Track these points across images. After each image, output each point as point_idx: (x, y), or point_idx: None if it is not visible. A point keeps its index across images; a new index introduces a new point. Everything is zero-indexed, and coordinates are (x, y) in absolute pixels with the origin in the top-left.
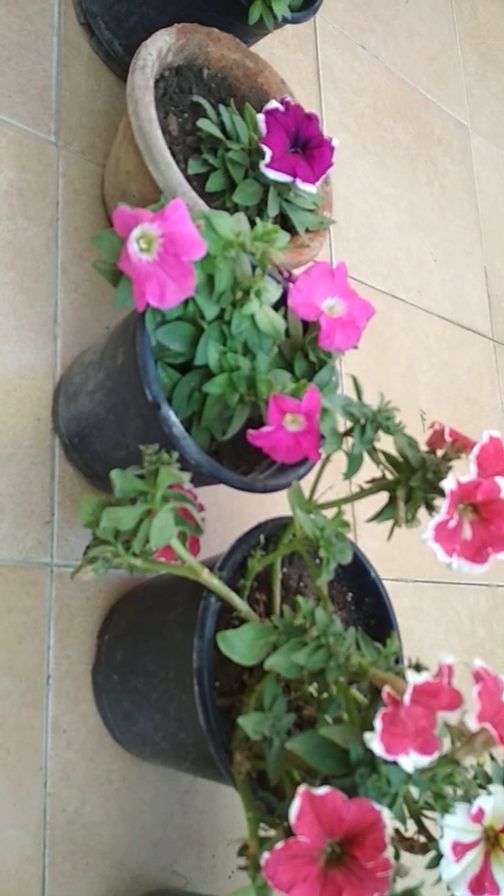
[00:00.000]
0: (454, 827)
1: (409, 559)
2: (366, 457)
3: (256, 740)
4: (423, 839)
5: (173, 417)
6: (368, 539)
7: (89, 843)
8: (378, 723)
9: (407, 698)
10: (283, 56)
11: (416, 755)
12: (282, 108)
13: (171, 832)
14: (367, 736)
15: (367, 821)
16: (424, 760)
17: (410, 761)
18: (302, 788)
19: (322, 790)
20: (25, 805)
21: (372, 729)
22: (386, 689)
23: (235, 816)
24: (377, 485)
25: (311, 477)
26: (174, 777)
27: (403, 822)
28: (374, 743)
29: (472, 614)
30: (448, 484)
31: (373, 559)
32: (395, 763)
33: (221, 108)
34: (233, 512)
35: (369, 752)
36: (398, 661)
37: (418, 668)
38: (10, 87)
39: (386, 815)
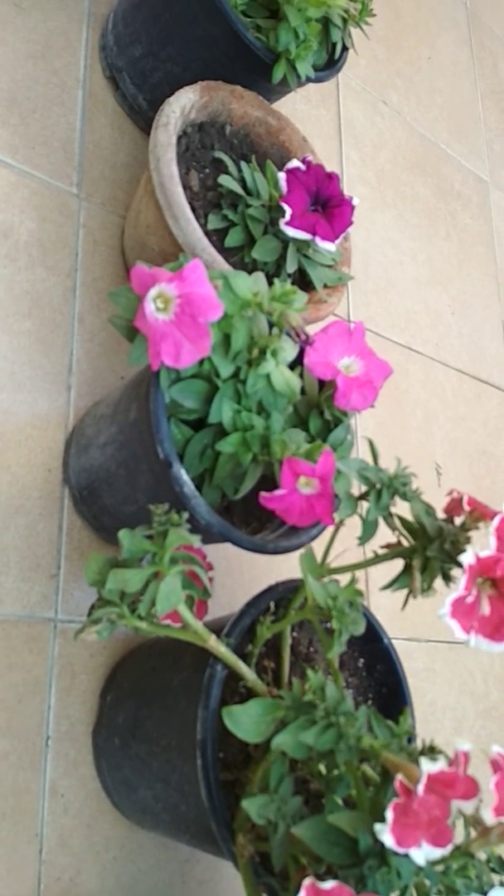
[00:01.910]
0: None
1: (422, 618)
2: (381, 521)
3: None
4: None
5: (184, 476)
6: (380, 598)
7: None
8: (389, 814)
9: (421, 789)
10: (306, 111)
11: (428, 847)
12: (303, 166)
13: None
14: (378, 827)
15: None
16: (437, 853)
17: (422, 854)
18: (307, 881)
19: (328, 885)
20: (19, 873)
21: (383, 816)
22: (399, 778)
23: (236, 889)
24: (392, 552)
25: (323, 538)
26: (174, 846)
27: None
28: (385, 835)
29: (486, 676)
30: (467, 558)
31: (384, 618)
32: (406, 855)
33: (243, 164)
34: (242, 567)
35: (379, 842)
36: (411, 739)
37: (432, 751)
38: (34, 139)
39: None
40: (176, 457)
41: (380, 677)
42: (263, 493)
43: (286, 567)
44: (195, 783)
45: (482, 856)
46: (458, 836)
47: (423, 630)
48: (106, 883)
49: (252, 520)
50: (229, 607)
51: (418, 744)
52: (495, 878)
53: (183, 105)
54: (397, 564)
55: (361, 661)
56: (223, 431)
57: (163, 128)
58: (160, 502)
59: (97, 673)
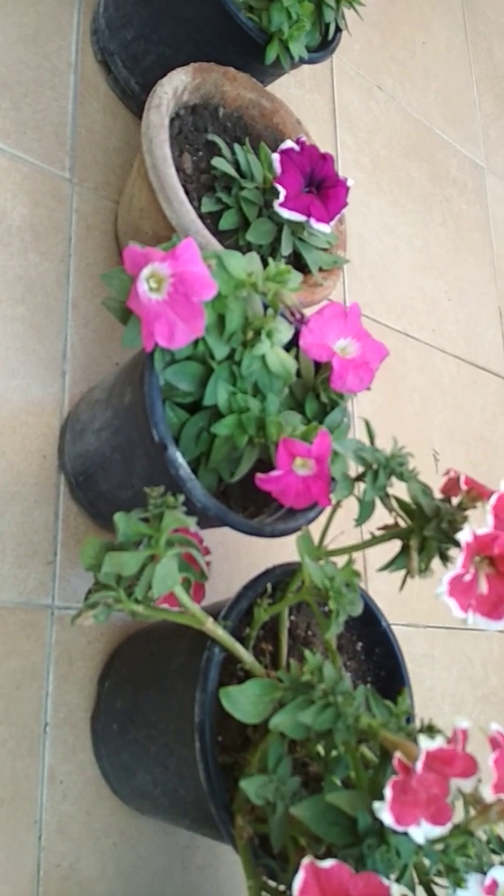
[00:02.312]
0: None
1: (420, 604)
2: (378, 502)
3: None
4: None
5: (180, 459)
6: (379, 583)
7: None
8: (388, 792)
9: (419, 766)
10: (300, 95)
11: (427, 825)
12: (297, 147)
13: (169, 890)
14: (377, 805)
15: None
16: (436, 831)
17: (422, 832)
18: (306, 860)
19: (328, 863)
20: (18, 860)
21: (382, 795)
22: (397, 756)
23: (237, 874)
24: (389, 532)
25: (321, 521)
26: (174, 831)
27: (413, 890)
28: (384, 813)
29: (486, 662)
30: (464, 536)
31: (383, 604)
32: (405, 833)
33: (236, 146)
34: (240, 553)
35: (378, 821)
36: (410, 719)
37: (431, 730)
38: (25, 123)
39: (395, 890)
40: (171, 440)
41: (378, 660)
42: (259, 475)
43: (283, 552)
44: (194, 767)
45: (482, 835)
46: (458, 815)
47: (422, 616)
48: (106, 869)
49: (249, 503)
50: (227, 592)
51: (417, 724)
52: (495, 858)
53: (175, 86)
54: (395, 546)
55: (360, 644)
56: (219, 414)
57: (155, 109)
58: (156, 487)
59: (95, 659)
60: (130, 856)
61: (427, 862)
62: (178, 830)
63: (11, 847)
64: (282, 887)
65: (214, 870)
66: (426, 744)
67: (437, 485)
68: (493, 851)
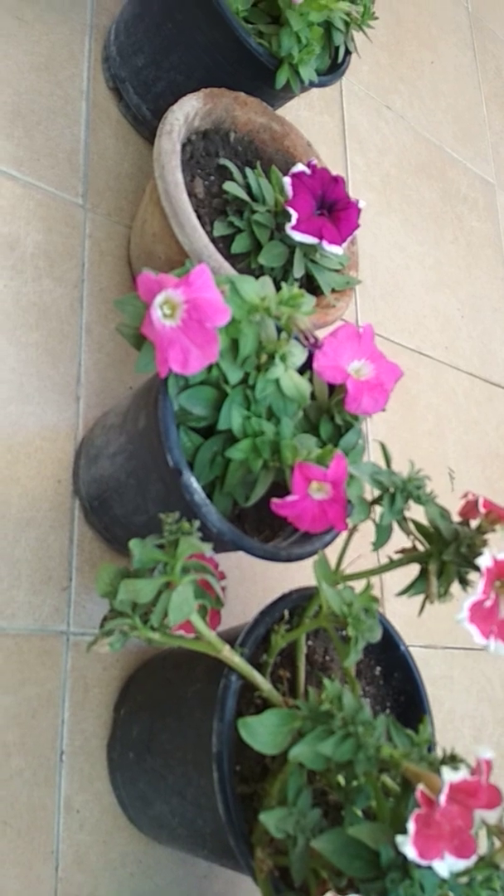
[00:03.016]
0: None
1: (438, 625)
2: (395, 526)
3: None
4: None
5: (195, 484)
6: (396, 604)
7: None
8: (411, 825)
9: (443, 799)
10: (310, 118)
11: (452, 859)
12: (308, 170)
13: None
14: (400, 839)
15: None
16: (461, 864)
17: (446, 866)
18: None
19: None
20: (35, 891)
21: (404, 828)
22: (420, 788)
23: None
24: (407, 557)
25: (337, 544)
26: (192, 861)
27: None
28: (407, 847)
29: None
30: (484, 561)
31: (401, 625)
32: (429, 867)
33: (248, 170)
34: (255, 576)
35: (401, 854)
36: (431, 748)
37: (453, 759)
38: (38, 150)
39: None
40: (186, 465)
41: (397, 685)
42: (275, 500)
43: (300, 575)
44: (212, 797)
45: None
46: (482, 847)
47: (440, 637)
48: None
49: (264, 527)
50: (243, 617)
51: (438, 752)
52: None
53: (186, 112)
54: (412, 570)
55: (378, 668)
56: (233, 438)
57: (167, 135)
58: (171, 511)
59: (111, 686)
60: (148, 886)
61: (452, 895)
62: (196, 860)
63: (29, 878)
64: None
65: None
66: (450, 776)
67: (453, 503)
68: None
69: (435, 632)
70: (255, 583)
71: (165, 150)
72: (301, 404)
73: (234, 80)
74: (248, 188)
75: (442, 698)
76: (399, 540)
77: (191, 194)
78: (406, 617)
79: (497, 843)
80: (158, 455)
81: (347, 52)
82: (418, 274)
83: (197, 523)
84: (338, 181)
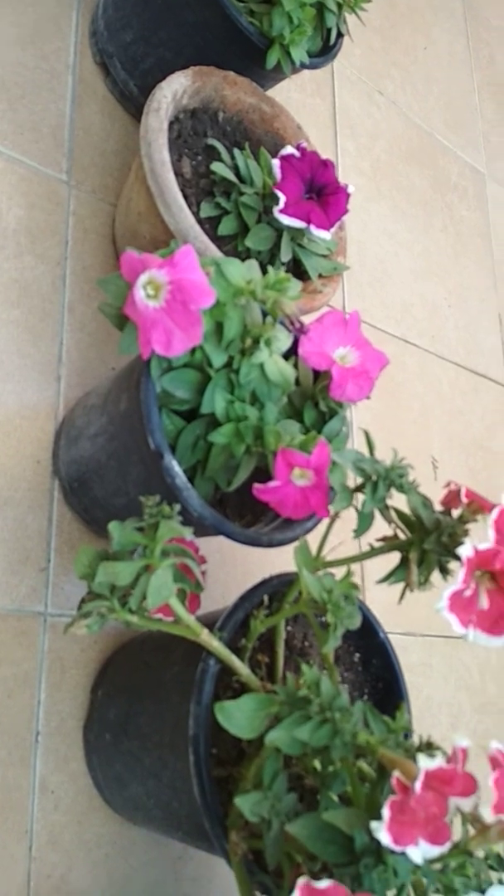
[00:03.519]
0: None
1: (418, 612)
2: (377, 514)
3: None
4: None
5: (176, 468)
6: (376, 592)
7: None
8: (386, 811)
9: (418, 786)
10: (300, 100)
11: (426, 845)
12: (297, 153)
13: None
14: (374, 825)
15: None
16: (435, 851)
17: (420, 852)
18: (302, 881)
19: (323, 884)
20: (8, 870)
21: (379, 813)
22: (396, 775)
23: (230, 885)
24: (388, 544)
25: (318, 531)
26: (167, 842)
27: None
28: (382, 833)
29: (483, 670)
30: (465, 551)
31: (380, 612)
32: (403, 853)
33: (236, 151)
34: (236, 561)
35: (376, 840)
36: (408, 734)
37: (429, 747)
38: (22, 124)
39: None
40: (167, 448)
41: (376, 672)
42: (257, 485)
43: (280, 560)
44: (187, 780)
45: (481, 853)
46: (456, 834)
47: (420, 624)
48: (98, 880)
49: (246, 512)
50: (223, 601)
51: (415, 739)
52: (494, 875)
53: (175, 90)
54: (393, 558)
55: (357, 655)
56: (216, 422)
57: (154, 113)
58: (152, 494)
59: (88, 668)
60: (122, 867)
61: (425, 881)
62: (171, 841)
63: (2, 857)
64: None
65: (207, 881)
66: (425, 763)
67: (436, 492)
68: (492, 868)
69: (414, 619)
70: (235, 567)
71: (152, 127)
72: (285, 390)
73: (224, 58)
74: (235, 169)
75: (420, 685)
76: (381, 528)
77: (177, 174)
78: (386, 604)
79: (471, 831)
80: (140, 437)
81: (339, 35)
82: (407, 262)
83: (177, 507)
84: (327, 165)
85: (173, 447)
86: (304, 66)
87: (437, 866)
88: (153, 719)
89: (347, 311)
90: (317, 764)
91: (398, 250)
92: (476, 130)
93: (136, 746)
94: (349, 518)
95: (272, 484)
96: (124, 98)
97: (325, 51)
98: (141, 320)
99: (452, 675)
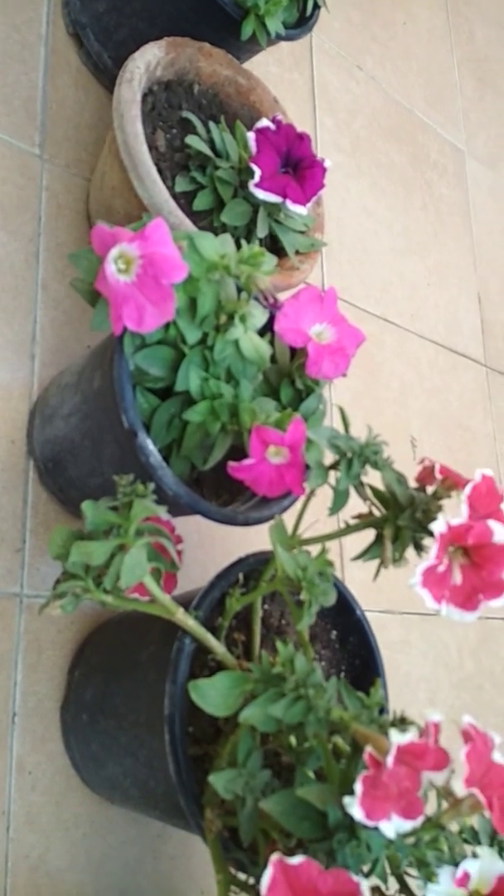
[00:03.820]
0: (439, 893)
1: (396, 590)
2: (352, 491)
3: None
4: None
5: (150, 446)
6: (354, 569)
7: (54, 892)
8: (358, 787)
9: (390, 760)
10: (279, 74)
11: (398, 819)
12: (273, 126)
13: (141, 880)
14: (347, 801)
15: (344, 893)
16: (408, 825)
17: (392, 826)
18: (275, 857)
19: (296, 859)
20: None
21: (353, 789)
22: (368, 750)
23: (208, 863)
24: (364, 522)
25: (295, 509)
26: (145, 821)
27: (384, 881)
28: (354, 808)
29: (461, 647)
30: (438, 526)
31: (358, 591)
32: (375, 828)
33: (211, 125)
34: (214, 540)
35: (349, 815)
36: (383, 710)
37: (402, 722)
38: None
39: (364, 886)
40: (141, 426)
41: (353, 649)
42: (232, 463)
43: (258, 539)
44: (164, 758)
45: (454, 827)
46: (430, 808)
47: (398, 602)
48: (76, 859)
49: (223, 491)
50: (201, 581)
51: (390, 716)
52: (468, 848)
53: (148, 61)
54: (371, 535)
55: (334, 633)
56: (191, 400)
57: (126, 84)
58: (126, 474)
59: (65, 648)
60: (101, 845)
61: (399, 855)
62: (149, 820)
63: None
64: (252, 880)
65: (186, 859)
66: (397, 738)
67: (415, 472)
68: (466, 842)
69: (393, 597)
70: (213, 547)
71: (125, 98)
72: (260, 367)
73: (199, 29)
74: (211, 143)
75: (399, 662)
76: (357, 505)
77: (151, 147)
78: (364, 582)
79: (444, 805)
80: (113, 416)
81: (316, 6)
82: (386, 239)
83: (152, 486)
84: (303, 138)
85: (147, 426)
86: (279, 37)
87: (411, 840)
88: (130, 699)
89: (325, 288)
90: (292, 741)
91: (377, 228)
92: (456, 107)
93: (112, 726)
94: (325, 497)
95: (247, 462)
96: (98, 70)
97: (301, 22)
98: (112, 295)
99: (431, 651)
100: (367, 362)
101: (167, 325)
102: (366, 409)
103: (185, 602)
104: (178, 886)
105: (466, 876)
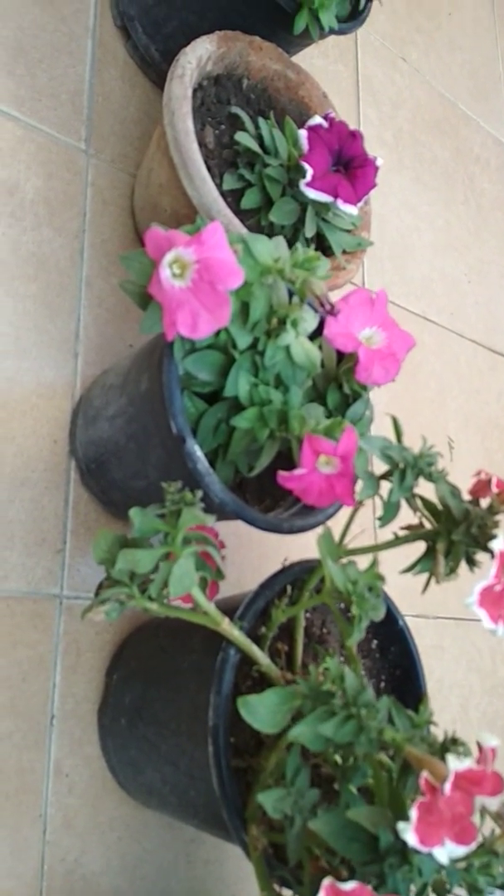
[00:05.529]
0: None
1: (431, 594)
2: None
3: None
4: None
5: (198, 452)
6: (389, 573)
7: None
8: (413, 813)
9: (448, 787)
10: (323, 67)
11: (452, 845)
12: (325, 123)
13: (174, 884)
14: (401, 826)
15: None
16: (461, 851)
17: (446, 852)
18: (327, 882)
19: (349, 885)
20: (23, 854)
21: (404, 811)
22: (424, 776)
23: (242, 869)
24: (414, 534)
25: (338, 517)
26: (179, 826)
27: None
28: (409, 834)
29: (494, 653)
30: (498, 545)
31: (393, 594)
32: (429, 853)
33: (260, 121)
34: (252, 543)
35: (401, 839)
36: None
37: (455, 742)
38: (41, 90)
39: None
40: (189, 432)
41: (394, 659)
42: (282, 473)
43: (296, 542)
44: (205, 769)
45: None
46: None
47: (432, 607)
48: (111, 863)
49: (265, 496)
50: (238, 584)
51: (434, 730)
52: None
53: (199, 56)
54: (411, 545)
55: (375, 642)
56: (239, 406)
57: (178, 79)
58: (172, 478)
59: (103, 651)
60: (136, 849)
61: (447, 880)
62: (183, 825)
63: (16, 841)
64: None
65: (220, 864)
66: (455, 764)
67: (452, 474)
68: None
69: (427, 602)
70: (251, 550)
71: (176, 95)
72: (311, 373)
73: (249, 23)
74: (260, 139)
75: (432, 667)
76: (404, 514)
77: (200, 144)
78: (398, 587)
79: (497, 830)
80: (161, 420)
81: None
82: (428, 236)
83: (199, 493)
84: (356, 136)
85: (194, 430)
86: (332, 31)
87: (462, 865)
88: (170, 706)
89: (367, 287)
90: (337, 757)
91: (419, 224)
92: (500, 100)
93: (151, 732)
94: (370, 503)
95: (297, 472)
96: (145, 63)
97: (353, 16)
98: (166, 301)
99: (464, 657)
100: (406, 362)
101: (217, 330)
102: (404, 410)
103: (225, 608)
104: (211, 891)
105: None
